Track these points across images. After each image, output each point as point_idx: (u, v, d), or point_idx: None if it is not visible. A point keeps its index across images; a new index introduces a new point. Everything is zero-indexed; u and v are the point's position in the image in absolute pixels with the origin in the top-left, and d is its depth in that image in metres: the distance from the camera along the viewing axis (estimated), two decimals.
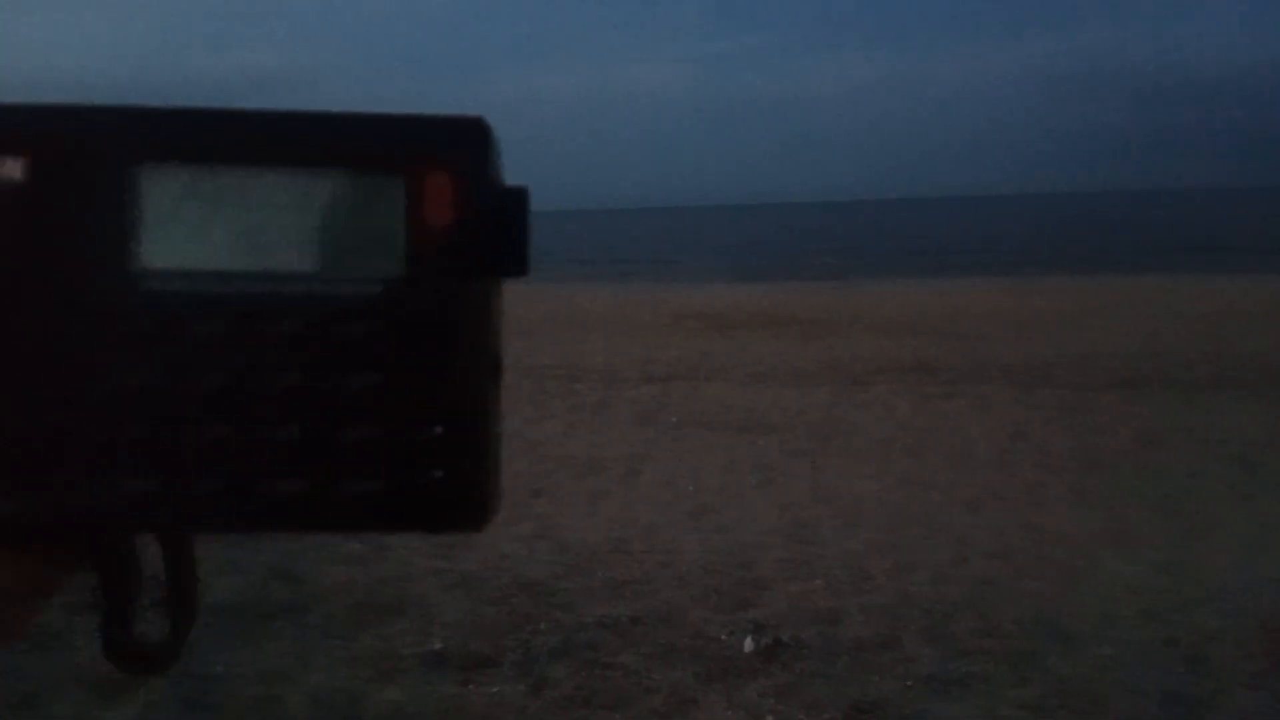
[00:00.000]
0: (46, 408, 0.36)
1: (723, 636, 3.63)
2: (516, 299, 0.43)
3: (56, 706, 2.99)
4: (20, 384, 0.36)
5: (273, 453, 0.36)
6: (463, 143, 0.38)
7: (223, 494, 0.36)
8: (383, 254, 0.37)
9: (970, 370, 8.59)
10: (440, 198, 0.37)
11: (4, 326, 0.35)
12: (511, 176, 0.40)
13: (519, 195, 0.39)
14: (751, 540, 4.63)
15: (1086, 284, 16.21)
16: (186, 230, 0.37)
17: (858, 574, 4.21)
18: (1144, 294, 14.13)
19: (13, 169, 0.35)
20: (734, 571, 4.25)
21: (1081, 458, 5.91)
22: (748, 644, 3.54)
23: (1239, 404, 7.06)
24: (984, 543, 4.56)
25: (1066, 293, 14.67)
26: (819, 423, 6.96)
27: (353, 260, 0.37)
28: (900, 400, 7.56)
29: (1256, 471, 5.52)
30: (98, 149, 0.36)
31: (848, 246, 36.30)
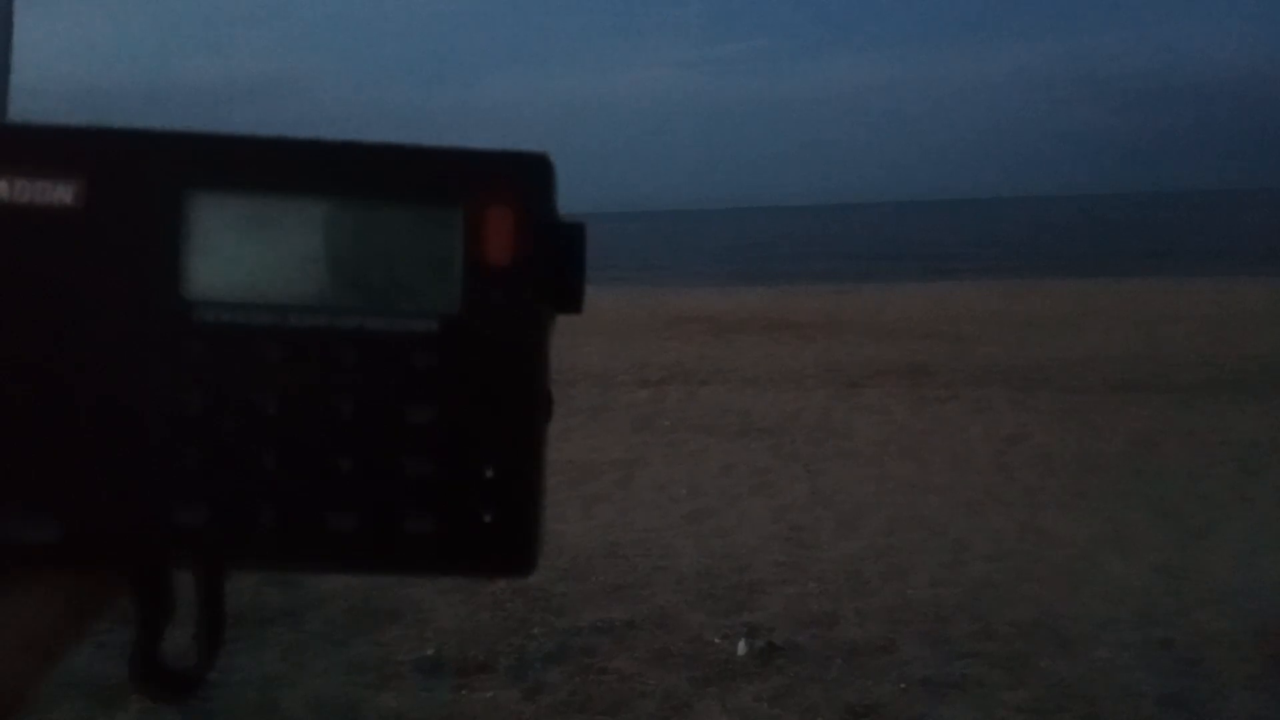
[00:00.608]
0: (98, 433, 0.35)
1: (718, 640, 3.62)
2: None
3: (54, 713, 2.99)
4: (72, 409, 0.35)
5: (326, 485, 0.36)
6: (524, 177, 0.37)
7: (275, 527, 0.35)
8: (440, 288, 0.36)
9: (967, 373, 8.59)
10: (500, 232, 0.37)
11: (56, 350, 0.35)
12: None
13: (577, 231, 0.38)
14: (747, 544, 4.63)
15: (1084, 287, 16.22)
16: (241, 259, 0.36)
17: (854, 577, 4.21)
18: (1141, 297, 14.14)
19: (65, 193, 0.35)
20: (729, 575, 4.25)
21: (1079, 460, 5.91)
22: (742, 648, 3.53)
23: (1237, 407, 7.06)
24: (981, 545, 4.55)
25: (1064, 296, 14.68)
26: (815, 426, 6.96)
27: (409, 294, 0.36)
28: (897, 403, 7.56)
29: (1254, 474, 5.52)
30: (153, 174, 0.36)
31: (845, 249, 36.33)
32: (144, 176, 0.36)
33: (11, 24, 0.41)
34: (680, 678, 3.35)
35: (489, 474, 0.36)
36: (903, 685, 3.29)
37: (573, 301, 0.39)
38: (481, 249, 0.37)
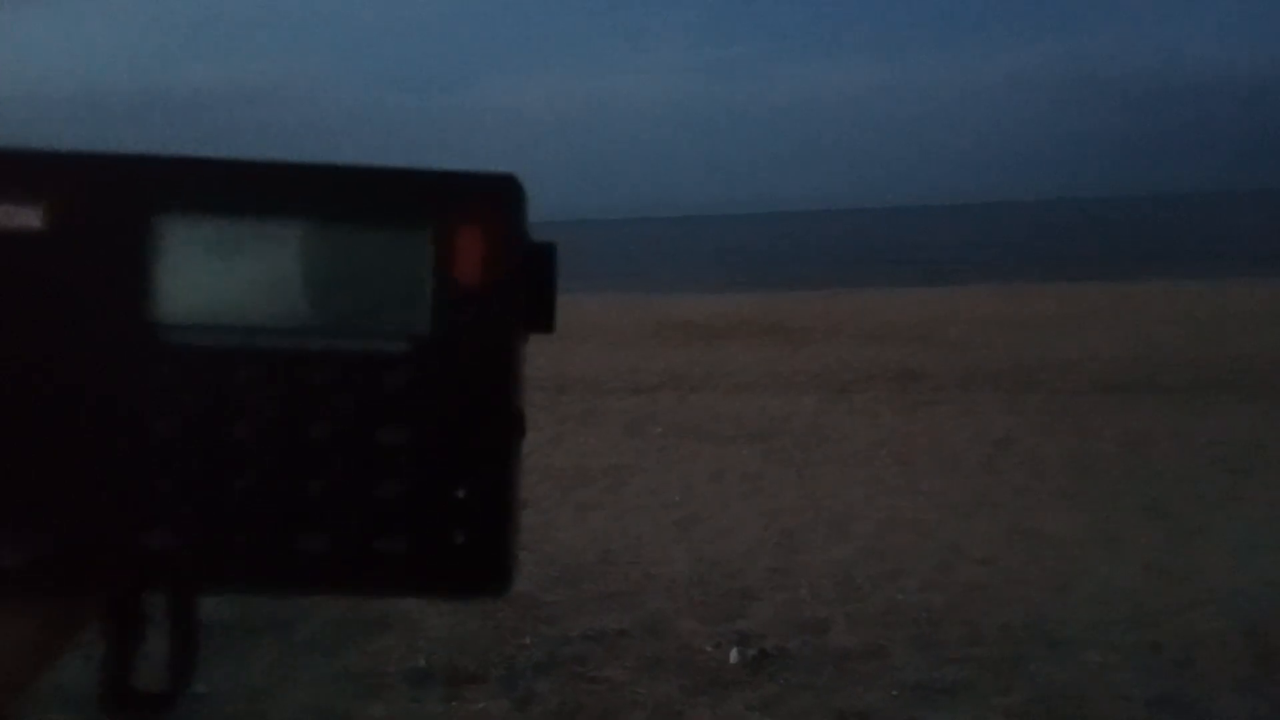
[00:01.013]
0: (66, 458, 0.35)
1: (709, 648, 3.62)
2: None
3: None
4: (39, 433, 0.35)
5: (298, 508, 0.35)
6: (493, 198, 0.37)
7: (247, 550, 0.35)
8: (410, 309, 0.36)
9: (957, 376, 8.61)
10: (470, 253, 0.37)
11: (23, 375, 0.35)
12: None
13: (547, 251, 0.39)
14: (738, 550, 4.63)
15: (1074, 290, 16.29)
16: (210, 282, 0.36)
17: (845, 583, 4.21)
18: (1131, 299, 14.20)
19: (31, 217, 0.35)
20: (721, 582, 4.24)
21: (1069, 463, 5.93)
22: (734, 655, 3.53)
23: (1225, 408, 7.09)
24: (971, 549, 4.56)
25: (1054, 299, 14.73)
26: (806, 431, 6.97)
27: (379, 315, 0.36)
28: (887, 408, 7.57)
29: (1243, 475, 5.54)
30: (118, 198, 0.35)
31: (837, 254, 36.43)
32: (112, 200, 0.35)
33: None
34: (672, 686, 3.34)
35: (461, 494, 0.36)
36: (894, 691, 3.29)
37: (544, 321, 0.39)
38: (451, 269, 0.37)
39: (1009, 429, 6.77)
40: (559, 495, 5.46)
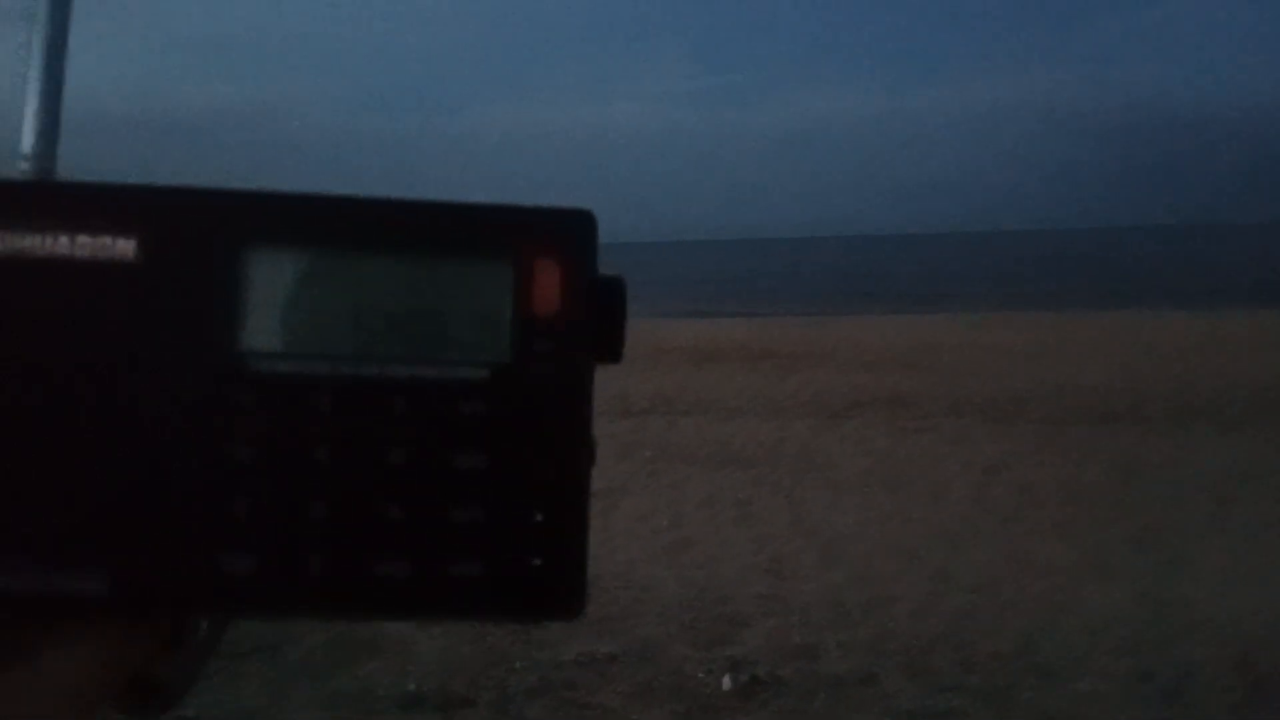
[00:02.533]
0: (147, 483, 0.35)
1: (701, 674, 3.60)
2: None
3: None
4: (122, 459, 0.35)
5: (377, 534, 0.36)
6: (570, 232, 0.39)
7: (323, 576, 0.36)
8: (490, 338, 0.38)
9: (947, 404, 8.64)
10: (547, 285, 0.38)
11: (110, 401, 0.35)
12: None
13: (617, 284, 0.40)
14: (730, 575, 4.62)
15: (1061, 319, 16.40)
16: (295, 312, 0.37)
17: (836, 609, 4.20)
18: (1117, 329, 14.31)
19: (125, 249, 0.36)
20: (712, 607, 4.23)
21: (1057, 491, 5.95)
22: (726, 682, 3.51)
23: (1210, 437, 7.14)
24: (962, 576, 4.56)
25: (1041, 327, 14.82)
26: (797, 456, 6.98)
27: (460, 344, 0.38)
28: (877, 434, 7.59)
29: (1229, 504, 5.57)
30: (211, 231, 0.37)
31: (825, 281, 36.58)
32: (202, 233, 0.37)
33: (64, 60, 0.42)
34: (664, 712, 3.32)
35: (538, 518, 0.37)
36: (886, 719, 3.28)
37: (613, 352, 0.40)
38: (530, 301, 0.38)
39: (998, 456, 6.79)
40: None
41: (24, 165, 0.40)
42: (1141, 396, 8.71)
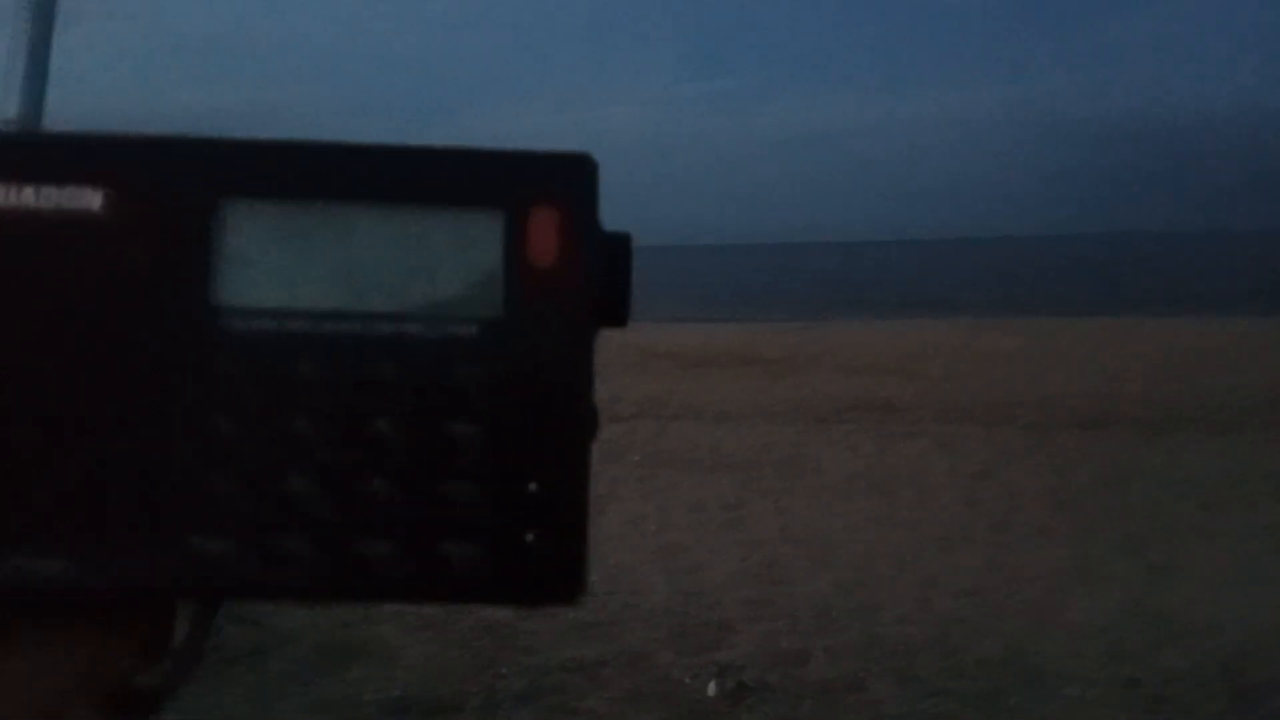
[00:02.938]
0: (115, 457, 0.33)
1: (688, 679, 3.60)
2: None
3: None
4: (88, 430, 0.33)
5: (362, 508, 0.33)
6: (568, 180, 0.36)
7: (305, 556, 0.33)
8: (482, 292, 0.35)
9: (935, 409, 8.66)
10: (544, 237, 0.35)
11: (74, 364, 0.33)
12: None
13: (623, 241, 0.37)
14: (718, 580, 4.62)
15: (1049, 325, 16.46)
16: (274, 267, 0.34)
17: (824, 614, 4.20)
18: (1105, 335, 14.37)
19: (91, 199, 0.34)
20: (700, 612, 4.23)
21: (1045, 497, 5.96)
22: (713, 687, 3.51)
23: (1196, 444, 7.18)
24: (950, 582, 4.57)
25: (1030, 333, 14.87)
26: (785, 461, 6.98)
27: (450, 298, 0.35)
28: (866, 439, 7.60)
29: (1215, 511, 5.60)
30: (184, 182, 0.34)
31: (818, 286, 36.67)
32: (175, 184, 0.34)
33: (51, 29, 0.41)
34: (652, 718, 3.32)
35: (533, 489, 0.34)
36: None
37: (618, 314, 0.37)
38: (525, 251, 0.35)
39: (986, 462, 6.81)
40: None
41: (7, 130, 0.39)
42: (1127, 402, 8.75)
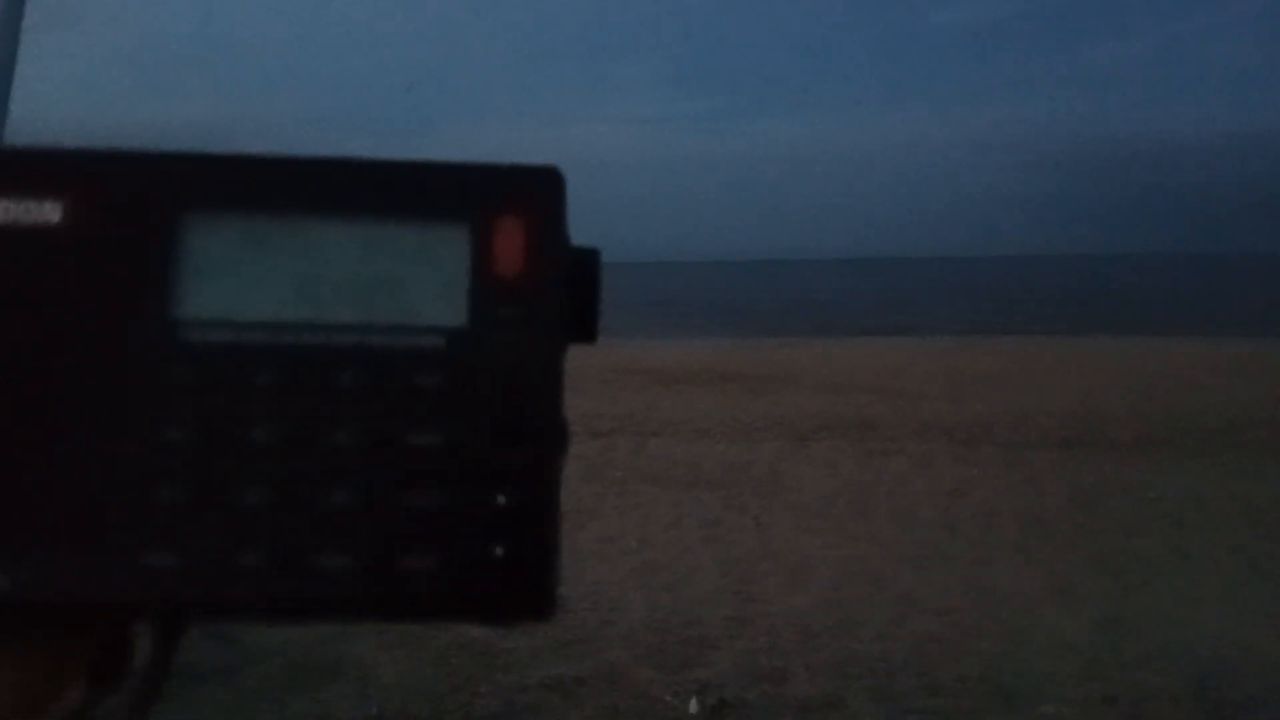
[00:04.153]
0: (61, 467, 0.32)
1: (668, 697, 3.58)
2: None
3: None
4: (35, 441, 0.32)
5: (320, 522, 0.32)
6: (535, 192, 0.36)
7: (259, 571, 0.32)
8: (446, 303, 0.34)
9: (913, 428, 8.71)
10: (510, 248, 0.35)
11: (27, 375, 0.32)
12: None
13: (590, 256, 0.37)
14: (697, 598, 4.60)
15: (1026, 345, 16.62)
16: (235, 280, 0.34)
17: (803, 632, 4.20)
18: (1081, 355, 14.52)
19: (50, 212, 0.33)
20: (679, 630, 4.21)
21: (1021, 516, 6.00)
22: (693, 705, 3.49)
23: (1171, 464, 7.25)
24: (928, 600, 4.58)
25: (1006, 353, 15.01)
26: (764, 479, 6.99)
27: (413, 310, 0.34)
28: (844, 457, 7.62)
29: (1188, 530, 5.65)
30: (144, 195, 0.34)
31: (797, 304, 36.84)
32: (135, 197, 0.34)
33: (17, 47, 0.41)
34: None
35: (501, 501, 0.33)
36: None
37: (587, 329, 0.37)
38: (490, 263, 0.35)
39: (963, 481, 6.84)
40: None
41: None
42: (1102, 422, 8.84)
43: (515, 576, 0.33)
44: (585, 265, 0.37)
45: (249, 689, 3.52)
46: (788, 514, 6.07)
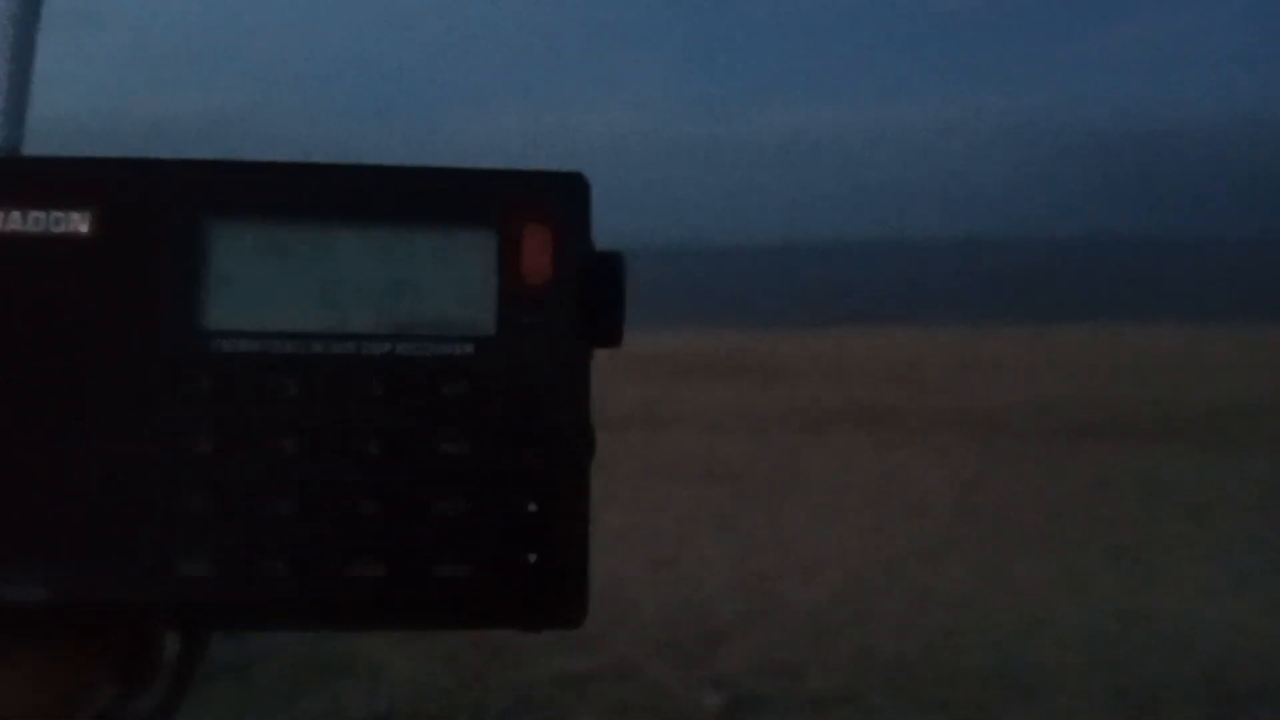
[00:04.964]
0: (94, 478, 0.32)
1: (681, 692, 3.57)
2: None
3: None
4: (68, 451, 0.32)
5: (351, 530, 0.33)
6: (560, 196, 0.36)
7: (290, 580, 0.33)
8: (474, 311, 0.35)
9: (927, 417, 8.67)
10: (537, 254, 0.35)
11: (57, 386, 0.32)
12: None
13: (614, 260, 0.37)
14: (710, 591, 4.59)
15: (1042, 330, 16.52)
16: (260, 288, 0.34)
17: (818, 625, 4.18)
18: (1097, 341, 14.42)
19: (78, 222, 0.34)
20: (692, 624, 4.20)
21: (1036, 506, 5.96)
22: (707, 699, 3.48)
23: (1185, 454, 7.19)
24: (943, 592, 4.56)
25: (1022, 340, 14.93)
26: (777, 470, 6.96)
27: (441, 318, 0.35)
28: (858, 448, 7.59)
29: (1202, 521, 5.60)
30: (170, 203, 0.34)
31: (808, 291, 36.72)
32: (161, 205, 0.34)
33: (33, 52, 0.40)
34: None
35: (531, 508, 0.34)
36: None
37: (612, 333, 0.37)
38: (517, 270, 0.35)
39: (979, 471, 6.80)
40: None
41: None
42: (1118, 410, 8.78)
43: (547, 583, 0.34)
44: (609, 269, 0.37)
45: (259, 687, 3.53)
46: (801, 506, 6.05)
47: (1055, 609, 4.34)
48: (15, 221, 0.33)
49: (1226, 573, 4.71)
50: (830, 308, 27.05)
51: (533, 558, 0.34)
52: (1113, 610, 4.30)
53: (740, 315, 24.32)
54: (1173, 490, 6.20)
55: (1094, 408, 8.94)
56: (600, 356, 0.38)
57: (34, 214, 0.33)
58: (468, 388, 0.34)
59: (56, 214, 0.34)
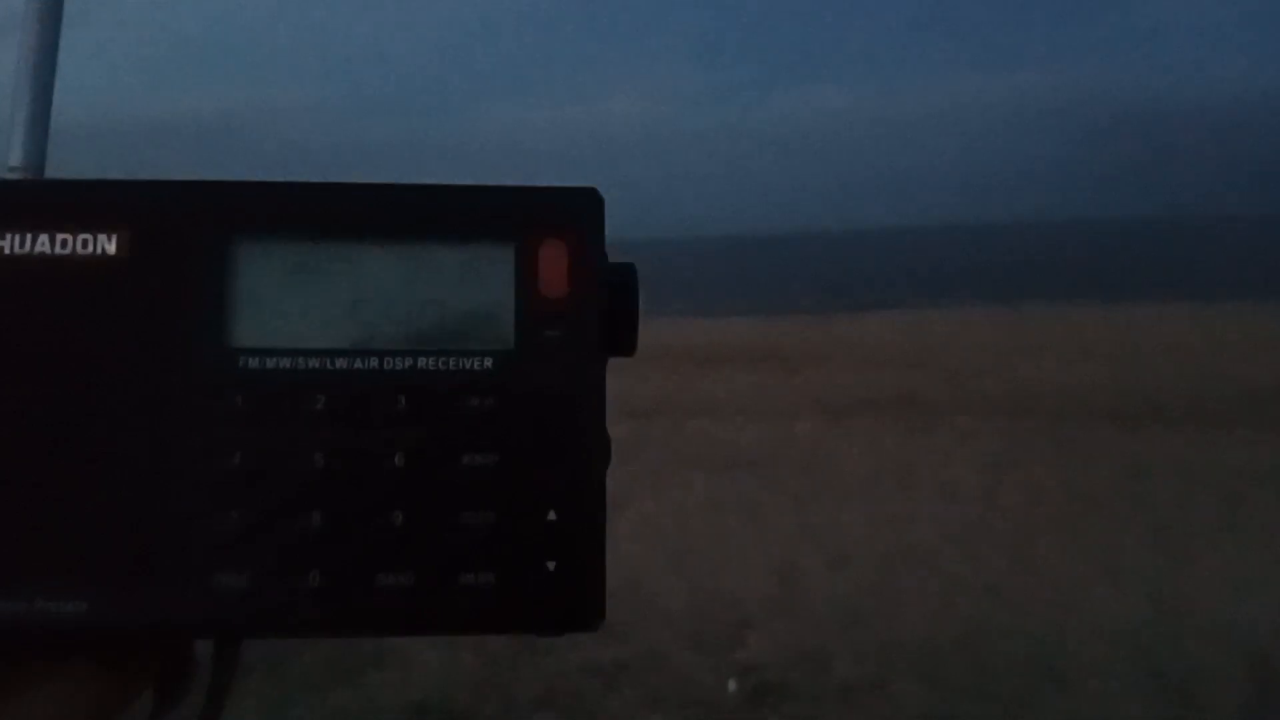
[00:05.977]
0: (132, 496, 0.33)
1: (709, 681, 3.57)
2: None
3: None
4: (106, 470, 0.33)
5: (380, 542, 0.34)
6: (576, 212, 0.37)
7: (323, 591, 0.34)
8: (494, 326, 0.36)
9: (954, 402, 8.60)
10: (554, 269, 0.36)
11: (92, 406, 0.33)
12: None
13: (627, 271, 0.38)
14: (737, 580, 4.58)
15: (1070, 313, 16.34)
16: (288, 306, 0.35)
17: (846, 613, 4.16)
18: (1127, 323, 14.24)
19: (108, 244, 0.34)
20: (719, 613, 4.19)
21: (1068, 490, 5.90)
22: (734, 687, 3.48)
23: (1219, 437, 7.09)
24: (973, 579, 4.52)
25: (1050, 323, 14.77)
26: (803, 458, 6.93)
27: (463, 333, 0.36)
28: (885, 434, 7.54)
29: (1236, 505, 5.51)
30: (198, 224, 0.35)
31: (832, 277, 36.51)
32: (189, 226, 0.35)
33: (54, 75, 0.40)
34: (673, 719, 3.29)
35: (551, 517, 0.35)
36: None
37: (626, 343, 0.38)
38: (535, 284, 0.36)
39: (1007, 455, 6.74)
40: None
41: (11, 176, 0.39)
42: (1151, 393, 8.66)
43: (566, 589, 0.35)
44: (623, 280, 0.38)
45: (293, 679, 3.57)
46: (828, 494, 6.02)
47: (1089, 594, 4.30)
48: (44, 244, 0.34)
49: (1263, 558, 4.64)
50: (853, 294, 26.88)
51: (552, 565, 0.35)
52: (1149, 595, 4.25)
53: (763, 302, 24.22)
54: (1205, 473, 6.11)
55: (1125, 392, 8.83)
56: None
57: (61, 236, 0.34)
58: (490, 403, 0.35)
59: (84, 236, 0.34)
